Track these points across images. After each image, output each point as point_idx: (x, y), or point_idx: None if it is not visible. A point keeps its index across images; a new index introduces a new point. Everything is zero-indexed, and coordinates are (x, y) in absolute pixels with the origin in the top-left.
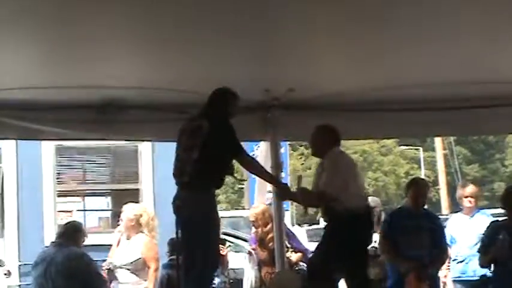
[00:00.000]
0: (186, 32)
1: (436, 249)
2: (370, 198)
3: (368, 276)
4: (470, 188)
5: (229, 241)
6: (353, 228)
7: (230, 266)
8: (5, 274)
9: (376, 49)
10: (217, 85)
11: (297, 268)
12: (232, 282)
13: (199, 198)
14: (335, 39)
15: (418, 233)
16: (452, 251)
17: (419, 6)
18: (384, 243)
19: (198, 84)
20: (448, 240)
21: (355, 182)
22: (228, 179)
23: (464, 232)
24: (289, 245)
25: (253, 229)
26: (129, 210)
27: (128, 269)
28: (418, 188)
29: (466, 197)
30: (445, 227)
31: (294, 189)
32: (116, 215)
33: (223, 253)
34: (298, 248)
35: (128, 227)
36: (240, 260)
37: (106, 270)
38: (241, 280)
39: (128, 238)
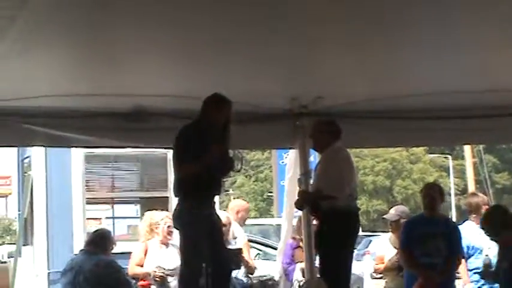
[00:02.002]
0: (216, 42)
1: (450, 256)
2: (399, 208)
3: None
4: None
5: (258, 249)
6: (343, 227)
7: (258, 273)
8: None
9: (405, 57)
10: (247, 93)
11: None
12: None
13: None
14: (364, 47)
15: (433, 239)
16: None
17: (444, 15)
18: (401, 252)
19: (227, 93)
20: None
21: (350, 181)
22: (257, 187)
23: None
24: None
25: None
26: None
27: (172, 275)
28: (430, 193)
29: (485, 204)
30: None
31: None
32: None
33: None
34: None
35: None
36: (268, 267)
37: (157, 278)
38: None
39: (165, 244)
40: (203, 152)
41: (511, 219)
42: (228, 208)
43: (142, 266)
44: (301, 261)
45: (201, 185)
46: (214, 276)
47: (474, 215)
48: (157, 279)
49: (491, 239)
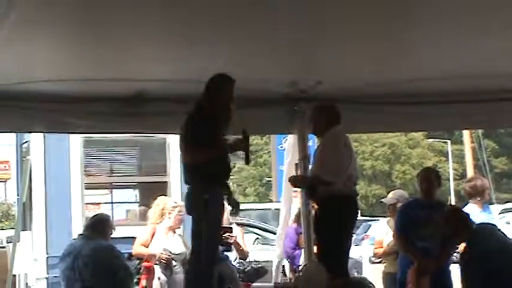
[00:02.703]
0: (216, 27)
1: (445, 240)
2: (397, 192)
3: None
4: None
5: (256, 233)
6: (341, 212)
7: (257, 258)
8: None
9: (403, 42)
10: (245, 78)
11: None
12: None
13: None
14: (362, 33)
15: (429, 224)
16: None
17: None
18: (396, 236)
19: None
20: None
21: (348, 165)
22: (256, 172)
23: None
24: None
25: None
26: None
27: (176, 260)
28: (426, 177)
29: (487, 188)
30: None
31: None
32: (147, 208)
33: (231, 240)
34: None
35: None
36: (267, 252)
37: (163, 261)
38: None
39: (172, 231)
40: (214, 136)
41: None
42: None
43: (147, 247)
44: None
45: (218, 169)
46: None
47: (479, 198)
48: (163, 260)
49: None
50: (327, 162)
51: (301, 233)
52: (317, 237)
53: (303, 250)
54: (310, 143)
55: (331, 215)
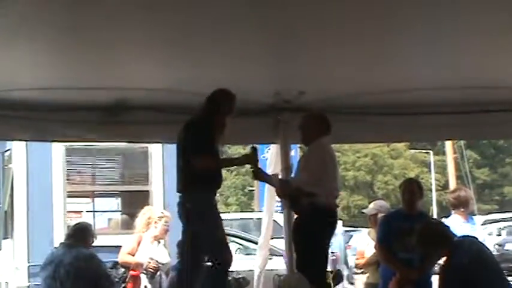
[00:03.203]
0: (195, 34)
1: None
2: (378, 202)
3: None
4: None
5: (238, 243)
6: (319, 225)
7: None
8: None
9: (386, 52)
10: (228, 87)
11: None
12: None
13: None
14: (346, 42)
15: (411, 235)
16: None
17: (430, 10)
18: (378, 246)
19: (207, 86)
20: None
21: (332, 178)
22: (238, 181)
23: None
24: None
25: None
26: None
27: (162, 270)
28: (409, 188)
29: (471, 199)
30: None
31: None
32: (129, 216)
33: None
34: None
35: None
36: (249, 262)
37: (150, 269)
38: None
39: (157, 240)
40: (213, 146)
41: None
42: None
43: (133, 255)
44: None
45: (216, 179)
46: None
47: (462, 209)
48: (150, 269)
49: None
50: (310, 173)
51: None
52: (295, 247)
53: None
54: (292, 153)
55: (311, 226)
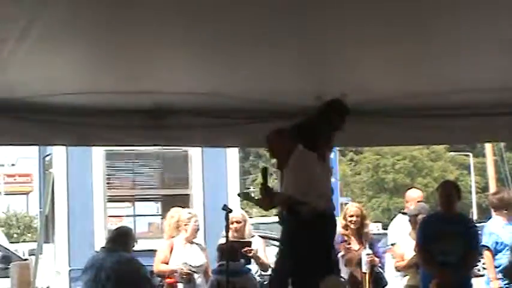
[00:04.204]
0: (235, 38)
1: (466, 254)
2: (419, 204)
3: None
4: None
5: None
6: (316, 231)
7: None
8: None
9: (425, 54)
10: (269, 91)
11: (376, 270)
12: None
13: None
14: (387, 45)
15: (450, 237)
16: (501, 258)
17: (466, 16)
18: (417, 250)
19: (247, 89)
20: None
21: (321, 182)
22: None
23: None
24: (370, 250)
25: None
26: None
27: (197, 273)
28: (446, 190)
29: None
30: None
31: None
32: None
33: (250, 254)
34: (377, 254)
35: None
36: None
37: (184, 276)
38: None
39: (189, 242)
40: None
41: None
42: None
43: (167, 263)
44: (348, 259)
45: None
46: None
47: (505, 211)
48: (184, 276)
49: None
50: (298, 183)
51: (342, 242)
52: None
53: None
54: (331, 156)
55: (313, 233)
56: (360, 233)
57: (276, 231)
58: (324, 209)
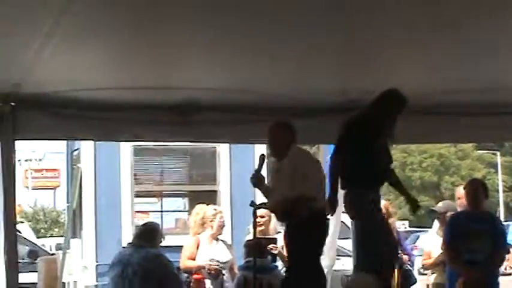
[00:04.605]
0: (262, 35)
1: (494, 253)
2: (447, 202)
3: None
4: None
5: None
6: (316, 229)
7: None
8: None
9: (453, 53)
10: (296, 87)
11: (404, 267)
12: None
13: None
14: (413, 43)
15: (477, 236)
16: None
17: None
18: (445, 248)
19: (275, 85)
20: None
21: (319, 180)
22: None
23: None
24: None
25: None
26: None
27: (225, 269)
28: (473, 188)
29: None
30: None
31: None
32: None
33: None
34: (406, 251)
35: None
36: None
37: (212, 271)
38: None
39: (215, 239)
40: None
41: None
42: None
43: (193, 259)
44: None
45: None
46: None
47: None
48: (212, 272)
49: None
50: (305, 179)
51: None
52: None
53: None
54: None
55: (313, 235)
56: None
57: None
58: (322, 208)
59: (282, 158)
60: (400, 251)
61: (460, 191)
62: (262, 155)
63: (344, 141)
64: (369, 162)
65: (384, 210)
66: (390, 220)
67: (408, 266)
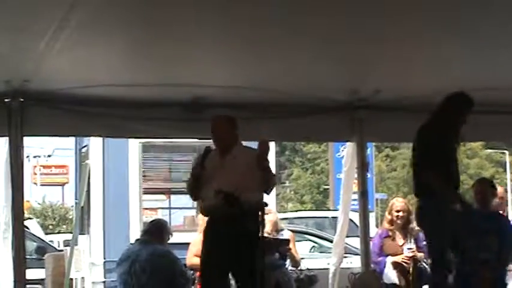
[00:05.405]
0: (273, 33)
1: (502, 251)
2: None
3: None
4: None
5: (313, 241)
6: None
7: (314, 266)
8: None
9: (462, 51)
10: (304, 85)
11: (419, 265)
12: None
13: None
14: (422, 42)
15: (485, 235)
16: None
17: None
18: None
19: (284, 83)
20: None
21: None
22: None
23: None
24: (414, 245)
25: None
26: None
27: None
28: (481, 187)
29: None
30: None
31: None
32: None
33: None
34: (422, 249)
35: None
36: (324, 260)
37: None
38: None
39: None
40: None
41: None
42: None
43: (200, 256)
44: (392, 254)
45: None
46: None
47: None
48: None
49: None
50: (245, 176)
51: (386, 237)
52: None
53: (388, 259)
54: (368, 152)
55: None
56: (405, 228)
57: (311, 226)
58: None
59: (227, 153)
60: (414, 249)
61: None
62: (208, 147)
63: (426, 150)
64: (447, 168)
65: (405, 208)
66: (412, 217)
67: (424, 264)
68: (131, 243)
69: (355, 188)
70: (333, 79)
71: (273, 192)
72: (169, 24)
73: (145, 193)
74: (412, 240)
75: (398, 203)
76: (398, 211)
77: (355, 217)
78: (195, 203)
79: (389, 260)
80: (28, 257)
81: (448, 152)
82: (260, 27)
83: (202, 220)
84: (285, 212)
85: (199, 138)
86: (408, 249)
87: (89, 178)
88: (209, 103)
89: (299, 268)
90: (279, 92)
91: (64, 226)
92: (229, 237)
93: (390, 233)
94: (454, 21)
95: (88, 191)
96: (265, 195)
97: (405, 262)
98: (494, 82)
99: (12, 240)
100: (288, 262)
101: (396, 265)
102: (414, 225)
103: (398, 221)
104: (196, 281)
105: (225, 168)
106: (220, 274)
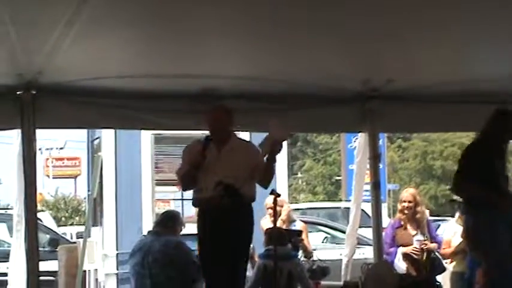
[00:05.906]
0: (286, 24)
1: None
2: None
3: None
4: None
5: (326, 232)
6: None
7: (327, 256)
8: None
9: (476, 42)
10: (317, 75)
11: (432, 256)
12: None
13: None
14: (434, 31)
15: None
16: None
17: None
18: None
19: (296, 74)
20: None
21: None
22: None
23: None
24: (427, 235)
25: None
26: None
27: None
28: None
29: None
30: None
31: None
32: None
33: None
34: (435, 239)
35: None
36: (336, 251)
37: None
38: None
39: None
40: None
41: None
42: None
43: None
44: (404, 245)
45: None
46: None
47: None
48: None
49: None
50: (244, 168)
51: (398, 227)
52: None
53: (399, 249)
54: (380, 142)
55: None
56: (414, 218)
57: (323, 217)
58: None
59: (224, 144)
60: (424, 240)
61: None
62: (208, 136)
63: (470, 166)
64: (494, 185)
65: (410, 198)
66: (419, 208)
67: (437, 254)
68: (144, 235)
69: (367, 179)
70: (344, 69)
71: (285, 183)
72: (179, 15)
73: (157, 184)
74: (425, 231)
75: (405, 193)
76: (404, 201)
77: (368, 208)
78: None
79: (400, 250)
80: (41, 249)
81: (497, 168)
82: (273, 20)
83: None
84: (297, 203)
85: None
86: (417, 240)
87: (101, 170)
88: (221, 94)
89: (311, 259)
90: (290, 83)
91: (77, 218)
92: (226, 229)
93: (402, 223)
94: (469, 11)
95: (100, 183)
96: (270, 189)
97: (414, 253)
98: (505, 72)
99: (25, 233)
100: (300, 253)
101: (406, 256)
102: (424, 215)
103: (406, 211)
104: None
105: (221, 160)
106: (226, 268)
